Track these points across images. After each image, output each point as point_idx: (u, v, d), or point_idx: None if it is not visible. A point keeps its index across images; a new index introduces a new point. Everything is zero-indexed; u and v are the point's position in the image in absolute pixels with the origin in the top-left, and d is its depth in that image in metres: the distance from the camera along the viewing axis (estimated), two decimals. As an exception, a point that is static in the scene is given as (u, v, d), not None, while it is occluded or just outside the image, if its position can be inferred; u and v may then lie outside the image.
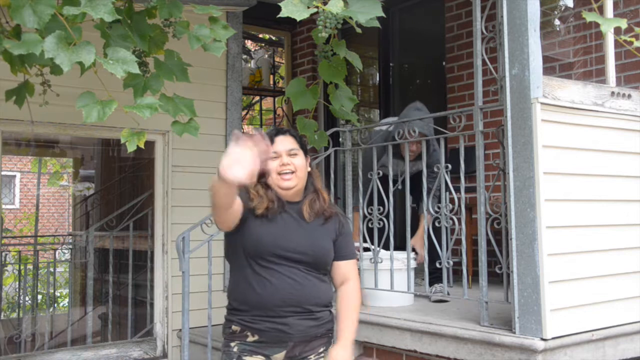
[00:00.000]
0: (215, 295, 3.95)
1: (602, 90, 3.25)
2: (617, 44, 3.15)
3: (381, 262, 3.76)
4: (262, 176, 2.35)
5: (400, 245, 3.86)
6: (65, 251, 8.64)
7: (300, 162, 2.37)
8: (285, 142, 2.38)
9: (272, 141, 2.36)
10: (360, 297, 2.48)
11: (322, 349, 2.36)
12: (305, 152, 2.43)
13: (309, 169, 2.43)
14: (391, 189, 3.78)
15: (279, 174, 2.34)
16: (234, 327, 2.31)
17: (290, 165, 2.34)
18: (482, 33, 3.23)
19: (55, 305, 9.09)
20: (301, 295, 2.27)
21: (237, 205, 2.21)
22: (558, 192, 2.97)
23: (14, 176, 15.57)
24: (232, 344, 2.30)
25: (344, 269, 2.44)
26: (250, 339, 2.27)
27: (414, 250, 3.93)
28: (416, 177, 3.97)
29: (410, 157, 3.88)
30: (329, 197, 2.45)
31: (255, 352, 2.27)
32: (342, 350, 2.36)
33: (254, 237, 2.28)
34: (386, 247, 3.76)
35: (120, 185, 7.51)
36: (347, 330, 2.40)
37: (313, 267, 2.32)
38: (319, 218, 2.38)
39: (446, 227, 3.49)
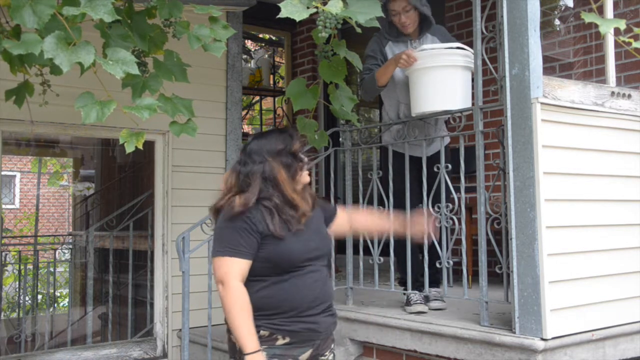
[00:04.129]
0: (216, 295, 3.92)
1: (602, 90, 3.25)
2: (617, 44, 3.15)
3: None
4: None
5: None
6: (65, 251, 8.65)
7: None
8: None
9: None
10: None
11: (332, 345, 2.41)
12: None
13: None
14: (391, 188, 3.77)
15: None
16: (262, 332, 2.22)
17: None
18: (482, 33, 3.23)
19: (55, 305, 9.10)
20: (326, 292, 2.33)
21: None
22: (558, 192, 2.97)
23: (14, 176, 15.57)
24: None
25: (344, 216, 2.64)
26: (280, 342, 2.22)
27: None
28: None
29: (406, 28, 3.82)
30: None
31: (284, 356, 2.22)
32: None
33: (284, 253, 2.25)
34: (386, 247, 3.76)
35: (120, 185, 7.51)
36: None
37: (326, 259, 2.39)
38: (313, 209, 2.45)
39: (446, 227, 3.49)
